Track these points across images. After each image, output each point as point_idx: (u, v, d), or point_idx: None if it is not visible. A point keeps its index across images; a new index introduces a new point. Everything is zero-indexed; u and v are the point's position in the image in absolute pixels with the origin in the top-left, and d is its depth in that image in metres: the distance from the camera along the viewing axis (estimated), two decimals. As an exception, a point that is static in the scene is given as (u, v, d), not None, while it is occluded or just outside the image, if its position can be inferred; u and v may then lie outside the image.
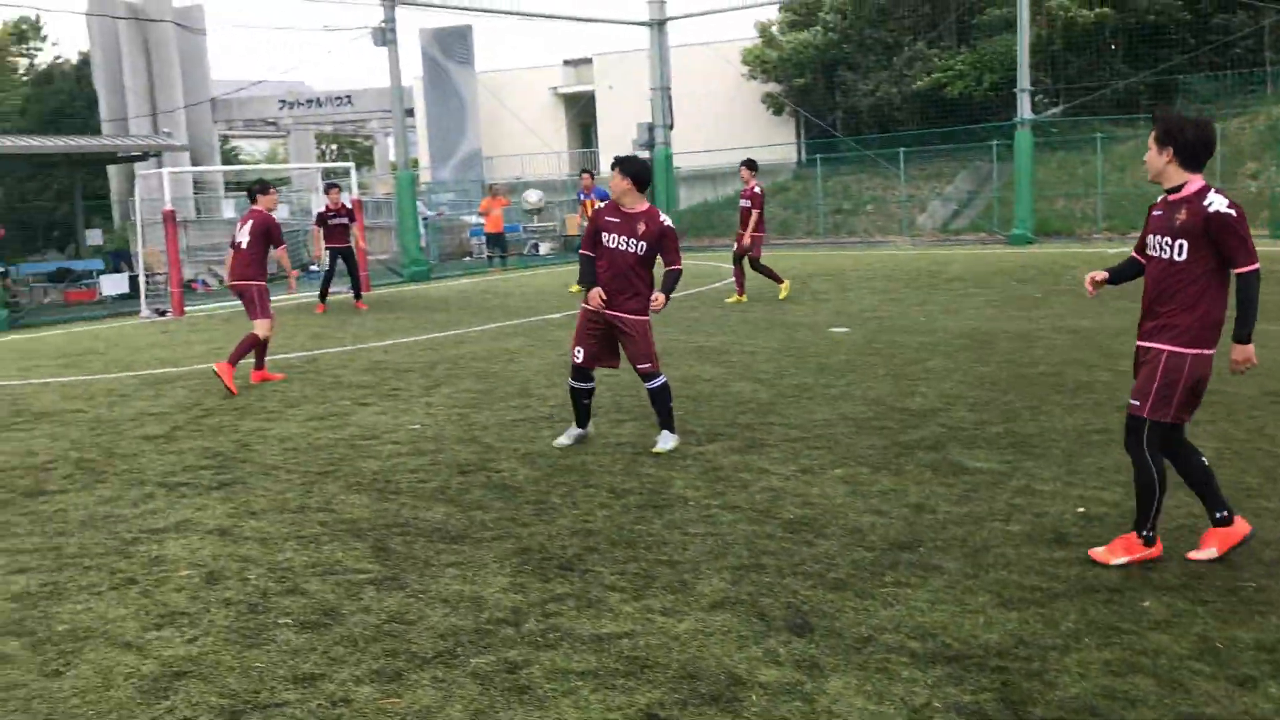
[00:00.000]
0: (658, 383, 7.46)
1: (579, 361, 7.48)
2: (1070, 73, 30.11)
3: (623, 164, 7.38)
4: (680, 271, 7.50)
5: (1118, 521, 5.55)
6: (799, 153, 36.82)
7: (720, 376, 10.13)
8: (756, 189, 16.31)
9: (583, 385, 7.61)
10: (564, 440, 7.73)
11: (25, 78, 47.66)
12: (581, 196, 16.87)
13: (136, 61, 37.89)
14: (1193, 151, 4.98)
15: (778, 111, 36.07)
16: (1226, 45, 28.98)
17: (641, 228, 7.29)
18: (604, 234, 7.35)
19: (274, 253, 11.39)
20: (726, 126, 36.17)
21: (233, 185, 37.21)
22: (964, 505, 5.97)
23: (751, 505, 6.16)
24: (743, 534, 5.68)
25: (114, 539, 6.13)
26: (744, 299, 16.11)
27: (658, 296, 7.30)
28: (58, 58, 47.23)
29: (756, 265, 16.13)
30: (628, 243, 7.28)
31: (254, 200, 11.31)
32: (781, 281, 16.33)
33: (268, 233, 11.00)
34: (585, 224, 15.37)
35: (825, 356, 10.96)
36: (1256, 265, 4.85)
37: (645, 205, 7.39)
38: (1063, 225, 26.61)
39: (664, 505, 6.24)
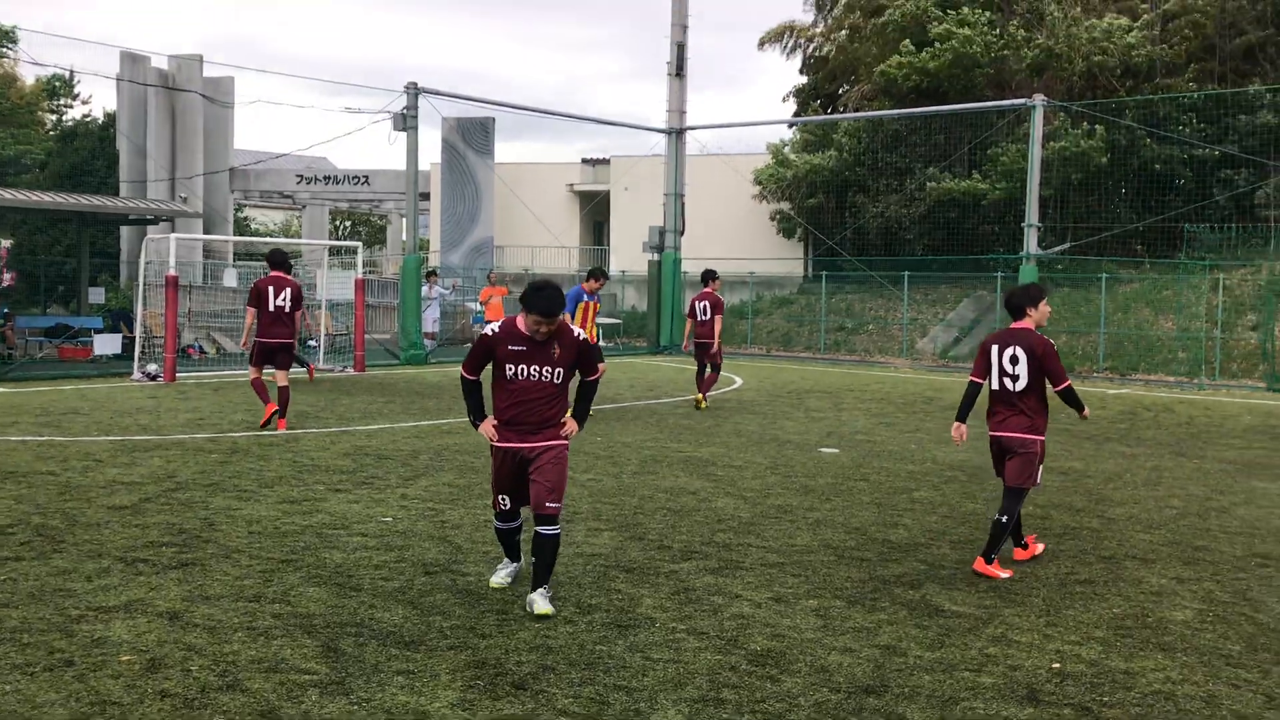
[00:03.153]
0: (556, 530, 6.29)
1: (506, 509, 6.55)
2: (1079, 211, 30.48)
3: (529, 301, 6.16)
4: (598, 381, 6.69)
5: (1093, 682, 5.36)
6: (805, 267, 37.13)
7: (704, 490, 9.98)
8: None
9: (511, 525, 6.67)
10: (502, 579, 6.70)
11: (52, 132, 48.37)
12: (586, 298, 15.76)
13: (161, 127, 38.48)
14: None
15: (789, 234, 36.55)
16: (1233, 198, 29.38)
17: (557, 352, 6.27)
18: (507, 366, 6.26)
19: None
20: (736, 236, 36.55)
21: (242, 255, 37.46)
22: (936, 650, 5.78)
23: (719, 632, 5.97)
24: (706, 663, 5.49)
25: (60, 615, 5.93)
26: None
27: (570, 424, 6.42)
28: (86, 116, 47.95)
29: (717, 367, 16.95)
30: (542, 373, 6.26)
31: (282, 267, 13.44)
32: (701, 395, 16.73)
33: (299, 295, 13.29)
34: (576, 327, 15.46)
35: (812, 477, 10.82)
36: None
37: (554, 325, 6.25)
38: (1064, 362, 26.58)
39: (629, 625, 6.05)
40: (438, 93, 25.49)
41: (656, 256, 30.82)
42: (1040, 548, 7.93)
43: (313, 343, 25.32)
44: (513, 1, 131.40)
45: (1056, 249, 27.77)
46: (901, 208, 32.94)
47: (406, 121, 24.36)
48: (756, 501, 9.55)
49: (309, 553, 7.38)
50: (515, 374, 6.28)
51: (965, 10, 32.31)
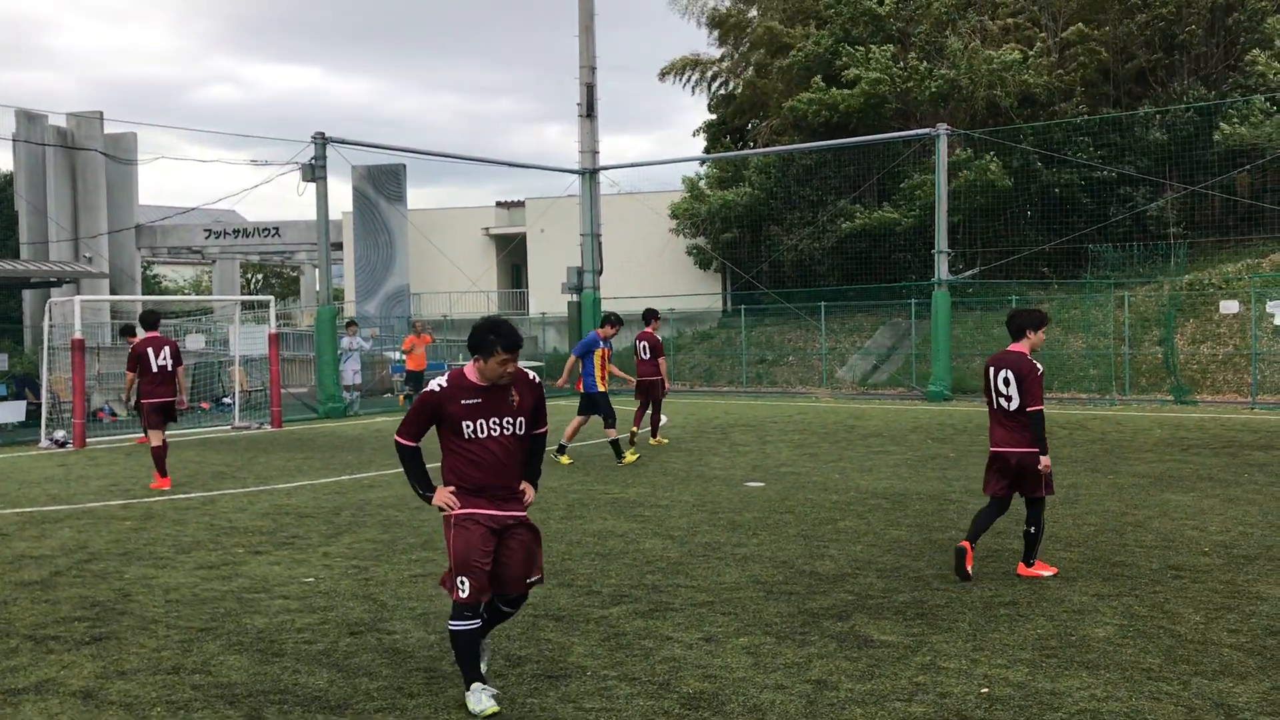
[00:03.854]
0: (513, 612, 5.75)
1: (469, 598, 5.36)
2: (987, 236, 31.25)
3: (489, 341, 5.43)
4: (545, 434, 5.91)
5: (1021, 705, 5.42)
6: (724, 302, 37.46)
7: (632, 532, 9.95)
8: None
9: (474, 625, 5.47)
10: (489, 704, 5.37)
11: (-54, 196, 46.99)
12: (602, 345, 15.65)
13: (61, 186, 37.64)
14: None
15: (704, 266, 36.87)
16: (1133, 216, 30.36)
17: (516, 399, 5.53)
18: (464, 424, 5.43)
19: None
20: (654, 273, 36.78)
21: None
22: (867, 682, 5.81)
23: (651, 677, 5.93)
24: (638, 709, 5.44)
25: (-35, 701, 5.69)
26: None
27: (529, 491, 5.70)
28: (-19, 178, 46.72)
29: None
30: (504, 425, 5.49)
31: (153, 328, 13.57)
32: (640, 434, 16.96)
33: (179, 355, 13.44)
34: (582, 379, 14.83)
35: (738, 512, 10.85)
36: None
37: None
38: (978, 384, 27.11)
39: (560, 675, 5.98)
40: (346, 142, 25.31)
41: (576, 297, 30.85)
42: (1049, 571, 8.05)
43: (227, 399, 24.83)
44: (419, 48, 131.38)
45: (967, 274, 28.40)
46: (815, 240, 33.47)
47: (315, 172, 24.13)
48: (684, 540, 9.54)
49: (229, 619, 7.19)
50: (474, 432, 5.43)
51: (873, 49, 33.03)
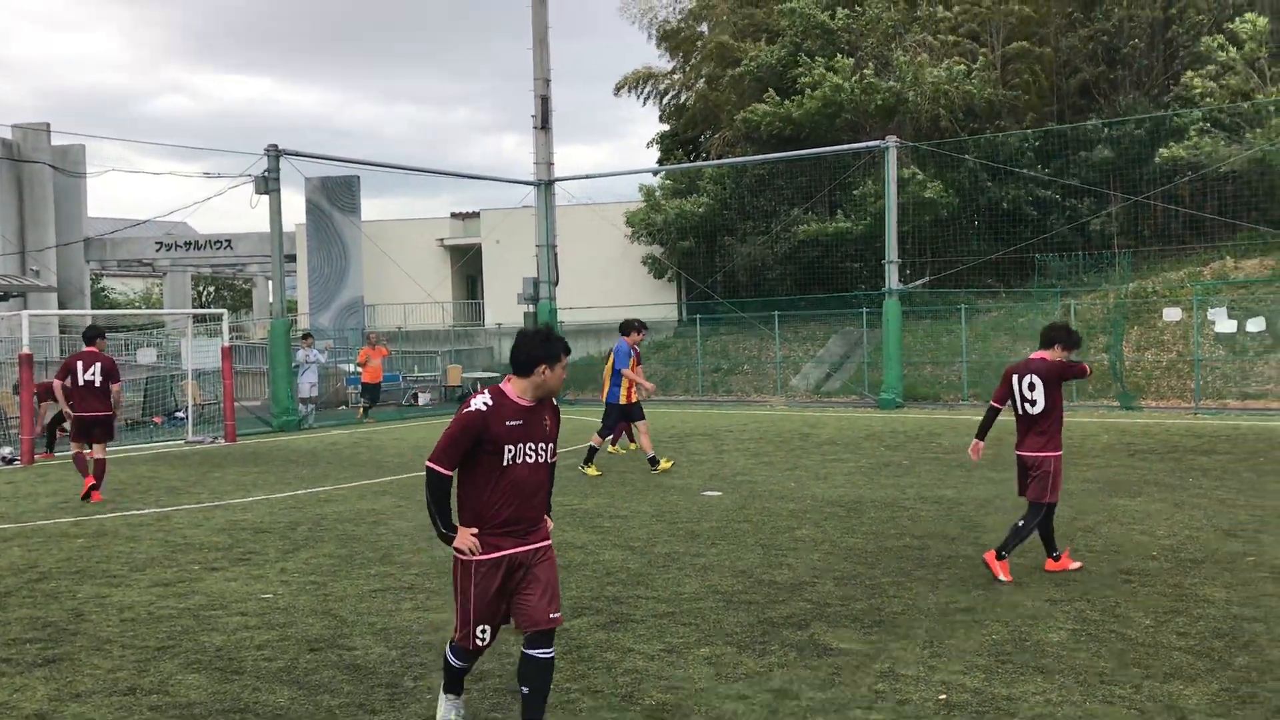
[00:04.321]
0: (552, 651, 5.15)
1: (484, 644, 5.12)
2: (936, 246, 31.64)
3: (542, 351, 5.15)
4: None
5: (978, 710, 5.52)
6: (679, 311, 37.58)
7: (591, 543, 9.98)
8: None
9: (469, 665, 5.37)
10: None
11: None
12: (633, 353, 15.32)
13: (7, 199, 37.04)
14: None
15: (659, 275, 36.97)
16: (1080, 227, 30.88)
17: (548, 422, 5.20)
18: (506, 449, 4.99)
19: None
20: (610, 283, 36.82)
21: (102, 327, 36.13)
22: (827, 690, 5.88)
23: (614, 689, 5.97)
24: (602, 722, 5.47)
25: (-83, 725, 5.60)
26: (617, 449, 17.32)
27: (548, 522, 5.32)
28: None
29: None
30: (540, 450, 5.11)
31: (91, 344, 13.64)
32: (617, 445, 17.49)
33: (111, 368, 13.44)
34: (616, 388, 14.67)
35: (697, 522, 10.92)
36: None
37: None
38: (929, 391, 27.47)
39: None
40: (299, 154, 25.15)
41: (532, 308, 30.81)
42: (1075, 565, 8.48)
43: (180, 414, 24.54)
44: (374, 58, 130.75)
45: (917, 283, 28.73)
46: (769, 248, 33.71)
47: (268, 184, 23.95)
48: (644, 551, 9.59)
49: (186, 637, 7.13)
50: (514, 458, 5.01)
51: (838, 59, 33.28)
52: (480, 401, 5.05)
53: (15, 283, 27.09)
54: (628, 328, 15.68)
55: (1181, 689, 5.74)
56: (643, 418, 15.54)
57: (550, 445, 5.17)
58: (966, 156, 31.26)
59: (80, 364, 13.55)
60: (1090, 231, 31.31)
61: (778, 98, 33.62)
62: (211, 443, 21.11)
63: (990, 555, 8.29)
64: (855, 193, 31.82)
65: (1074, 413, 23.06)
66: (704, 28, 41.18)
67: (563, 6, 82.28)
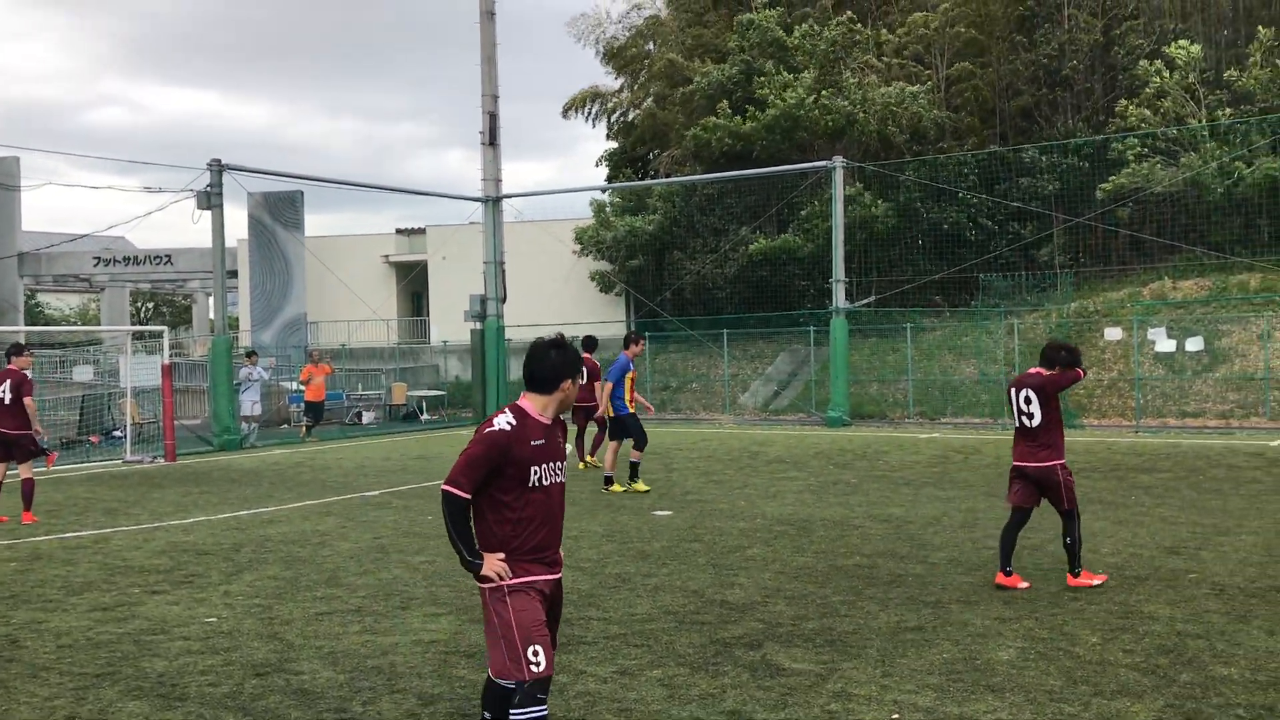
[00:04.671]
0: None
1: (541, 670, 4.61)
2: (882, 265, 31.98)
3: (567, 366, 4.86)
4: None
5: (931, 730, 5.53)
6: (628, 329, 37.59)
7: (540, 564, 9.88)
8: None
9: (546, 710, 4.73)
10: None
11: None
12: (632, 367, 15.21)
13: (-61, 211, 36.16)
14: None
15: (607, 290, 36.92)
16: (1021, 249, 31.38)
17: (560, 438, 4.96)
18: (532, 470, 4.67)
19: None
20: (558, 301, 36.75)
21: (35, 344, 35.40)
22: (780, 711, 5.87)
23: (566, 712, 5.91)
24: (555, 746, 5.41)
25: None
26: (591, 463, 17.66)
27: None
28: None
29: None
30: (559, 470, 4.83)
31: (9, 360, 13.50)
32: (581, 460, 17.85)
33: (22, 385, 13.19)
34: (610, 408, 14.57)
35: (647, 542, 10.88)
36: None
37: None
38: (876, 409, 27.72)
39: (474, 713, 5.91)
40: (242, 169, 24.83)
41: (479, 325, 30.65)
42: (1097, 580, 8.64)
43: (118, 433, 24.05)
44: (320, 73, 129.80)
45: (863, 302, 29.01)
46: (718, 266, 33.84)
47: (211, 199, 23.62)
48: (594, 571, 9.53)
49: (127, 663, 6.95)
50: (540, 479, 4.69)
51: (802, 75, 33.36)
52: (504, 420, 4.67)
53: (-53, 298, 26.45)
54: (627, 340, 15.53)
55: (1129, 706, 5.80)
56: (626, 436, 15.30)
57: (562, 464, 4.88)
58: (910, 177, 31.65)
59: None
60: (1033, 252, 31.83)
61: (730, 112, 33.66)
62: (151, 462, 20.71)
63: (1071, 579, 8.56)
64: (803, 212, 32.07)
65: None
66: (651, 46, 41.35)
67: (511, 24, 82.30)
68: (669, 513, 12.84)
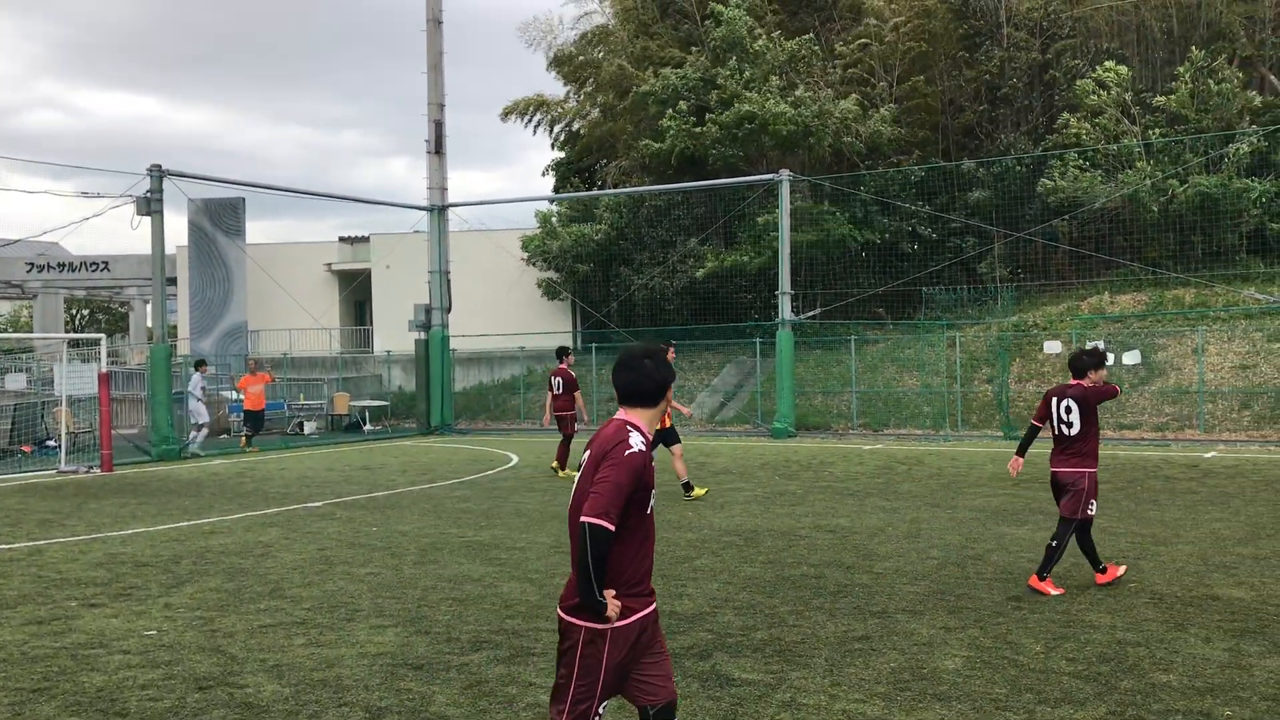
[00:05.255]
0: None
1: None
2: (827, 278, 32.27)
3: (663, 372, 4.47)
4: None
5: (880, 738, 5.57)
6: (574, 340, 37.55)
7: (489, 576, 9.84)
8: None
9: None
10: None
11: None
12: None
13: None
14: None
15: (552, 295, 36.81)
16: (963, 263, 31.84)
17: None
18: (651, 492, 4.26)
19: None
20: (503, 311, 36.63)
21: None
22: (731, 721, 5.88)
23: (516, 724, 5.87)
24: (505, 759, 5.37)
25: None
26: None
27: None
28: None
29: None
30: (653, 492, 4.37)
31: None
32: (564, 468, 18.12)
33: None
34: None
35: (595, 554, 10.83)
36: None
37: None
38: (820, 420, 27.93)
39: (422, 726, 5.86)
40: (184, 175, 24.47)
41: (424, 335, 30.45)
42: (1121, 570, 9.09)
43: (52, 442, 23.54)
44: (263, 79, 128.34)
45: (808, 314, 29.24)
46: (666, 279, 33.91)
47: (150, 205, 23.25)
48: (543, 583, 9.49)
49: (64, 678, 6.79)
50: (651, 504, 4.28)
51: (765, 79, 33.28)
52: (638, 441, 4.22)
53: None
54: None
55: (1072, 713, 5.89)
56: (671, 442, 15.52)
57: None
58: (857, 193, 31.98)
59: None
60: (974, 266, 32.30)
61: (687, 114, 33.36)
62: (86, 472, 20.29)
63: (1034, 580, 8.77)
64: (759, 220, 32.09)
65: (959, 442, 23.67)
66: (600, 53, 41.32)
67: (457, 32, 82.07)
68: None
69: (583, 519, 4.05)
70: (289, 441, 27.63)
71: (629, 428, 4.27)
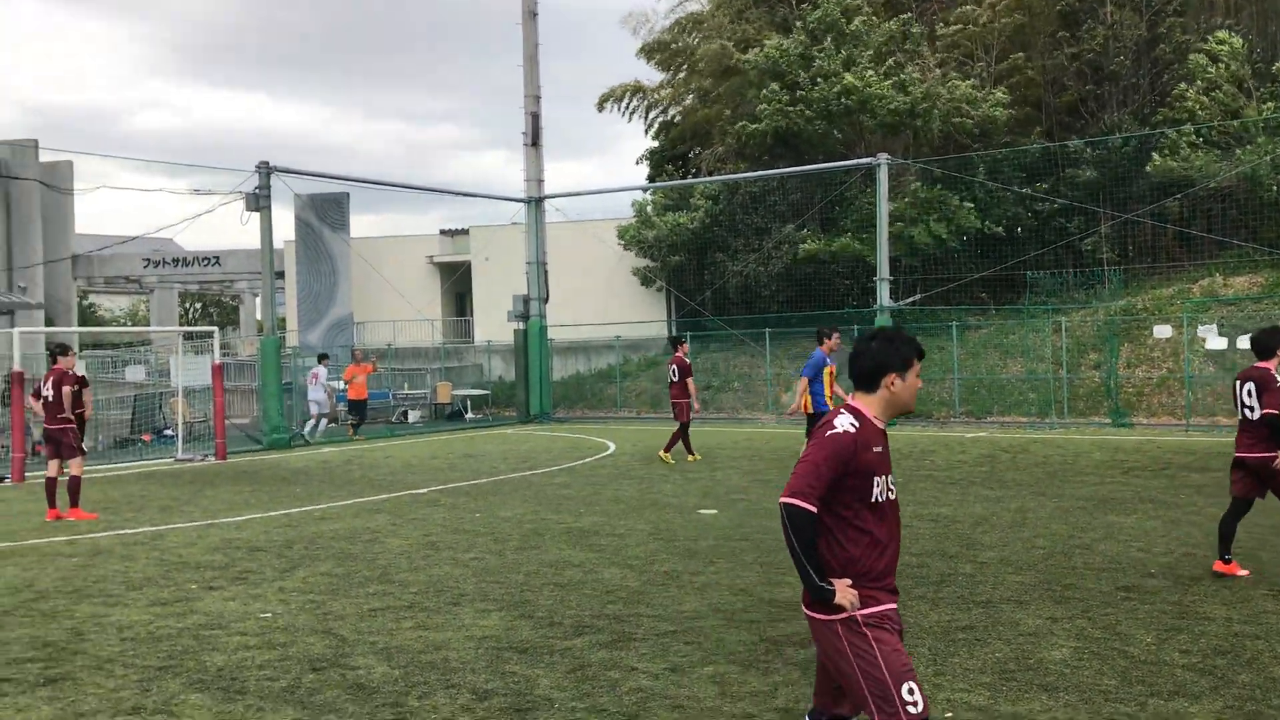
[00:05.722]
0: None
1: (924, 711, 4.01)
2: (929, 263, 31.74)
3: (907, 348, 4.37)
4: None
5: (985, 728, 5.53)
6: (669, 329, 37.61)
7: (589, 561, 9.96)
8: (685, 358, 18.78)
9: None
10: None
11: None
12: (829, 361, 14.43)
13: (-5, 215, 36.89)
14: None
15: (648, 284, 36.85)
16: (1068, 245, 31.03)
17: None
18: (875, 481, 4.08)
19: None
20: (600, 301, 36.85)
21: (89, 345, 36.02)
22: (833, 709, 5.87)
23: (620, 708, 5.96)
24: (609, 741, 5.46)
25: (-81, 747, 5.56)
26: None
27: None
28: (-90, 206, 45.65)
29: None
30: (893, 482, 4.20)
31: (55, 360, 13.80)
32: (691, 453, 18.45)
33: (62, 384, 13.48)
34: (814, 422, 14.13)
35: (694, 540, 10.91)
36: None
37: None
38: (921, 408, 27.51)
39: (528, 708, 5.98)
40: (290, 171, 25.16)
41: (521, 325, 30.82)
42: (1243, 572, 8.79)
43: (169, 431, 24.44)
44: (360, 74, 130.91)
45: (907, 300, 28.83)
46: (760, 265, 33.74)
47: (259, 201, 23.94)
48: (643, 569, 9.57)
49: (188, 656, 7.09)
50: (881, 493, 4.09)
51: (862, 59, 32.85)
52: (847, 422, 4.08)
53: (3, 300, 26.98)
54: (821, 335, 15.01)
55: (1186, 707, 5.76)
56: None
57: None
58: (971, 176, 31.35)
59: (42, 381, 14.01)
60: (1080, 249, 31.46)
61: (780, 91, 32.97)
62: (202, 460, 21.03)
63: (1218, 565, 8.79)
64: (856, 204, 31.63)
65: (1066, 430, 23.15)
66: (696, 39, 41.17)
67: (552, 23, 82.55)
68: (714, 511, 12.86)
69: (780, 500, 4.00)
70: (394, 430, 28.24)
71: (843, 410, 4.17)
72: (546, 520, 12.41)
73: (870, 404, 4.20)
